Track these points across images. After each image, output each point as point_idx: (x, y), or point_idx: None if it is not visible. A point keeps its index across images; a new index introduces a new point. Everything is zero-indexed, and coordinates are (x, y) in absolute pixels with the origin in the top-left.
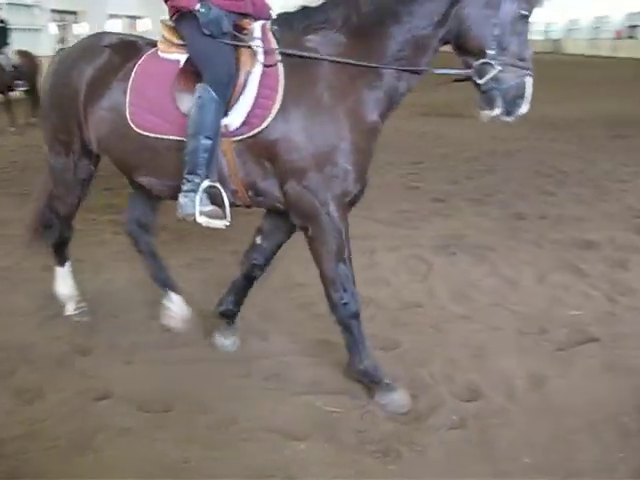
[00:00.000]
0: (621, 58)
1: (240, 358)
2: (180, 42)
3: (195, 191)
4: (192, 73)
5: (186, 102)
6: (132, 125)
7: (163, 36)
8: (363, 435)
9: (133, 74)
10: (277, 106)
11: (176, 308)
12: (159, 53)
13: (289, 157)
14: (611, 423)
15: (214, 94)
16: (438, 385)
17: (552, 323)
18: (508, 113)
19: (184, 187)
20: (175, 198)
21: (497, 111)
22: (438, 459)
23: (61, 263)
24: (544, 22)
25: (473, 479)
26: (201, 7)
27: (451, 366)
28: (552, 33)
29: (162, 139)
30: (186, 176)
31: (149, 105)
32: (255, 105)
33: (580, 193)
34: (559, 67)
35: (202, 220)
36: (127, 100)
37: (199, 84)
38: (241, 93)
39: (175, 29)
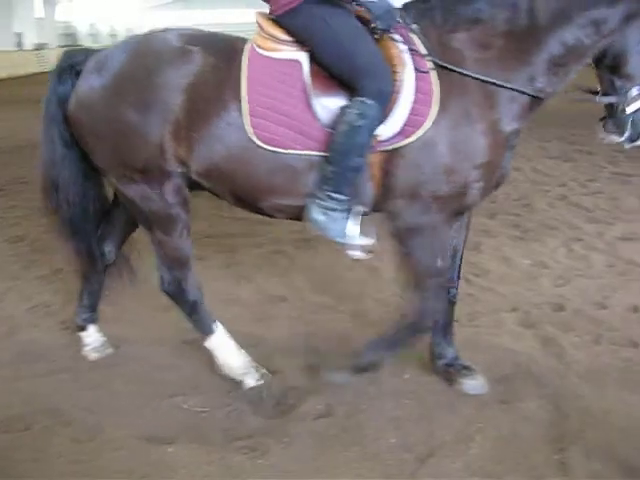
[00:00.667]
0: None
1: (100, 366)
2: (288, 38)
3: (338, 210)
4: (326, 77)
5: (326, 113)
6: (256, 140)
7: (265, 31)
8: (230, 433)
9: (245, 80)
10: (434, 112)
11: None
12: (262, 52)
13: (424, 169)
14: (468, 397)
15: (376, 108)
16: (305, 377)
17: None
18: (632, 140)
19: (323, 203)
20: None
21: (625, 137)
22: (306, 449)
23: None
24: None
25: (341, 463)
26: None
27: (318, 357)
28: None
29: (294, 155)
30: (329, 193)
31: (276, 116)
32: (411, 112)
33: None
34: None
35: (358, 254)
36: (246, 112)
37: (361, 100)
38: (396, 100)
39: (277, 23)
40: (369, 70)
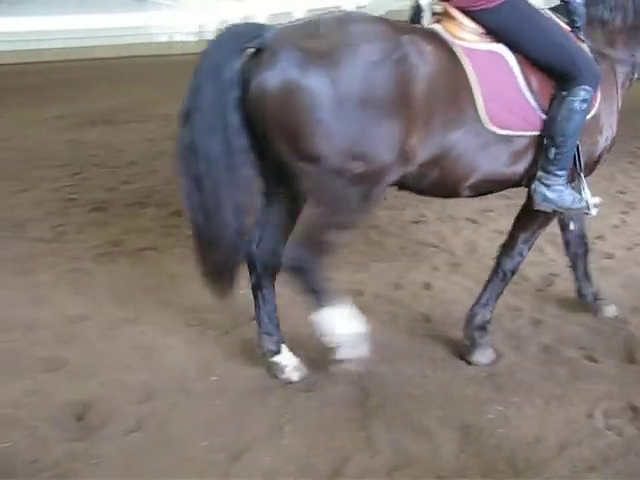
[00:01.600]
0: None
1: None
2: (483, 31)
3: (562, 184)
4: (530, 67)
5: (539, 99)
6: (491, 126)
7: (462, 24)
8: (36, 464)
9: (471, 70)
10: (599, 94)
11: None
12: (466, 44)
13: (594, 139)
14: (276, 390)
15: (592, 94)
16: (111, 393)
17: (215, 311)
18: None
19: (548, 182)
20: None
21: None
22: (117, 465)
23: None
24: (198, 24)
25: (155, 473)
26: None
27: (122, 371)
28: (206, 34)
29: (520, 136)
30: (555, 172)
31: (503, 103)
32: None
33: None
34: None
35: (594, 211)
36: (480, 99)
37: (583, 87)
38: None
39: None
40: (585, 61)
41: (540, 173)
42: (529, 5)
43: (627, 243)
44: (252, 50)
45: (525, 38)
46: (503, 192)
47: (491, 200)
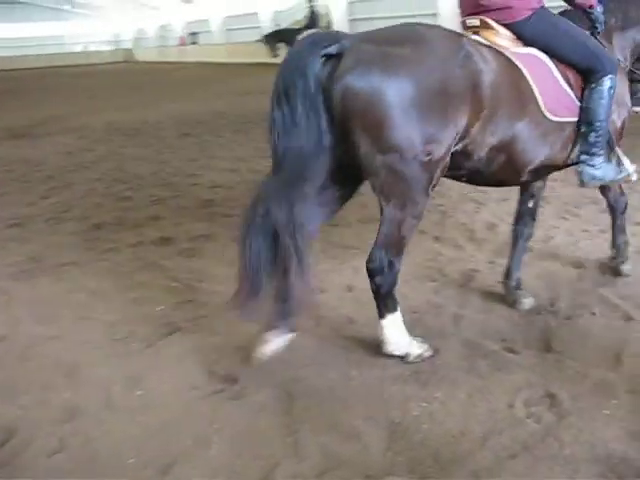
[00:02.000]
0: (188, 62)
1: None
2: (515, 38)
3: (603, 161)
4: (561, 65)
5: (576, 91)
6: (548, 114)
7: (501, 33)
8: None
9: (525, 69)
10: None
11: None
12: (512, 49)
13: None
14: (202, 402)
15: (615, 80)
16: (33, 415)
17: (140, 323)
18: None
19: (592, 162)
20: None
21: None
22: None
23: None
24: (113, 32)
25: None
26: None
27: (45, 391)
28: (122, 43)
29: (568, 122)
30: (598, 152)
31: (552, 95)
32: None
33: (155, 193)
34: (131, 75)
35: (635, 177)
36: (537, 92)
37: (608, 76)
38: None
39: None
40: (605, 55)
41: (584, 157)
42: (553, 14)
43: (543, 236)
44: (330, 55)
45: (555, 42)
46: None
47: None
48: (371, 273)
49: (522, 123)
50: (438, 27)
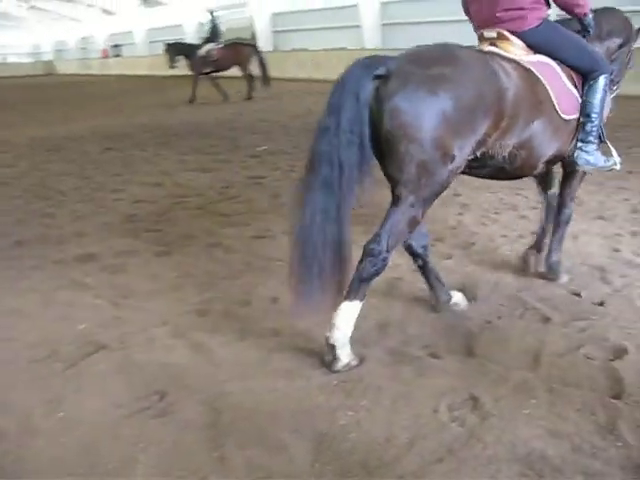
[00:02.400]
0: (110, 75)
1: None
2: (525, 46)
3: (596, 149)
4: (564, 67)
5: (578, 90)
6: (562, 114)
7: (512, 43)
8: None
9: (541, 76)
10: None
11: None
12: (523, 58)
13: None
14: (128, 421)
15: (609, 78)
16: None
17: (62, 343)
18: None
19: (587, 148)
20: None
21: None
22: None
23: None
24: (33, 44)
25: None
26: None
27: None
28: (43, 55)
29: (572, 119)
30: (592, 140)
31: (562, 96)
32: None
33: (78, 209)
34: (53, 88)
35: (619, 166)
36: (553, 95)
37: (603, 75)
38: None
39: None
40: (600, 57)
41: (580, 144)
42: (556, 24)
43: (463, 243)
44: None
45: (561, 47)
46: None
47: None
48: (368, 252)
49: (539, 124)
50: (465, 47)
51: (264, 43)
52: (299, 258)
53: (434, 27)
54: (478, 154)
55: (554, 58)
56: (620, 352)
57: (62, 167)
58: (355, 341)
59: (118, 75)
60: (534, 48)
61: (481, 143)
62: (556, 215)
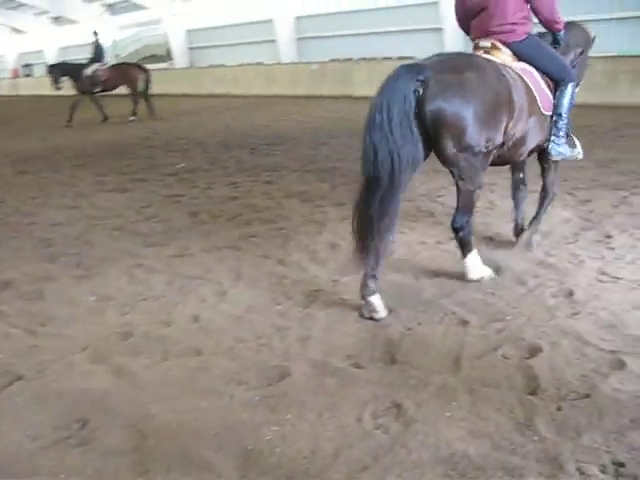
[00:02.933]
0: (22, 96)
1: None
2: (511, 54)
3: (565, 142)
4: (541, 74)
5: (552, 93)
6: (544, 111)
7: (503, 52)
8: None
9: (529, 81)
10: None
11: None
12: (513, 65)
13: None
14: (45, 451)
15: (575, 86)
16: None
17: None
18: None
19: (559, 141)
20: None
21: None
22: None
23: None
24: None
25: None
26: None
27: None
28: None
29: (549, 115)
30: (562, 135)
31: (542, 97)
32: None
33: None
34: None
35: (581, 156)
36: (537, 96)
37: (571, 83)
38: None
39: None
40: (570, 68)
41: (553, 137)
42: (538, 38)
43: None
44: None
45: (540, 58)
46: (269, 218)
47: (254, 227)
48: (456, 230)
49: (532, 118)
50: (476, 55)
51: (180, 60)
52: (357, 226)
53: (346, 40)
54: (502, 141)
55: (533, 66)
56: (535, 350)
57: None
58: (277, 355)
59: (30, 96)
60: (519, 57)
61: (504, 132)
62: (540, 202)
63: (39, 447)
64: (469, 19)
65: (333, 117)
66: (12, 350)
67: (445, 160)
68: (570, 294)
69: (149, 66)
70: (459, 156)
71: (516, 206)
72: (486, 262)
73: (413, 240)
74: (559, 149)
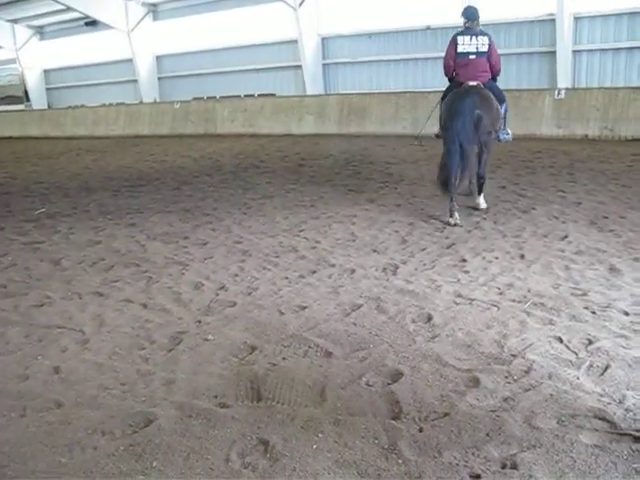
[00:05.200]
0: None
1: None
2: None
3: (505, 130)
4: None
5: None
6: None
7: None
8: None
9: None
10: None
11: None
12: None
13: None
14: None
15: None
16: None
17: None
18: None
19: (503, 131)
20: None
21: None
22: None
23: None
24: None
25: None
26: None
27: None
28: None
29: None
30: (505, 126)
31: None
32: None
33: None
34: None
35: (511, 137)
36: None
37: (506, 102)
38: None
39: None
40: (504, 94)
41: (501, 129)
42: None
43: (246, 289)
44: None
45: (494, 89)
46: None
47: (117, 271)
48: (480, 179)
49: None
50: (480, 87)
51: (37, 101)
52: (443, 170)
53: (208, 78)
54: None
55: (492, 93)
56: (396, 375)
57: None
58: (141, 402)
59: None
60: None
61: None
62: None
63: None
64: (455, 70)
65: (196, 155)
66: None
67: (482, 139)
68: (429, 318)
69: (6, 107)
70: (488, 137)
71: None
72: (349, 291)
73: (276, 275)
74: (505, 136)
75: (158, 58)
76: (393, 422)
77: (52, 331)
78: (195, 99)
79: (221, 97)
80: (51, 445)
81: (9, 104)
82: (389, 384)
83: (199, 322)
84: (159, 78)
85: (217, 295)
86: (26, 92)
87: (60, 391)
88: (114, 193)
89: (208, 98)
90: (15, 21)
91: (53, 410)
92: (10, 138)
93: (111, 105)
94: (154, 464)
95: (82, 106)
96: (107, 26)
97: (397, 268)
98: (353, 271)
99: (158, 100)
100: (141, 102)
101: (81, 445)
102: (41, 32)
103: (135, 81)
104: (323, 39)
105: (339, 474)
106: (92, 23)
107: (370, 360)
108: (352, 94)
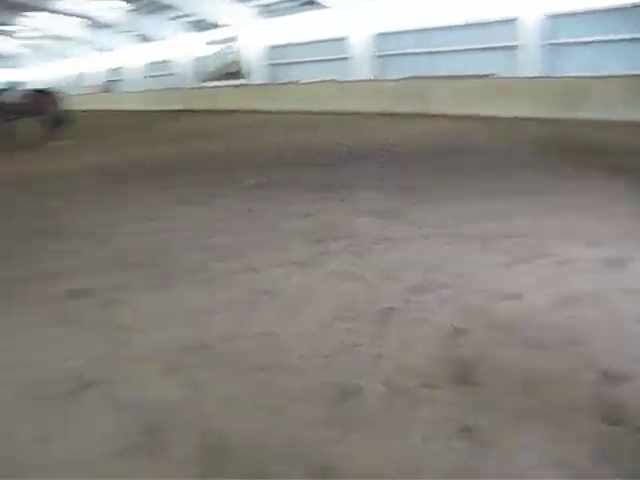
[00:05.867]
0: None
1: None
2: None
3: None
4: None
5: None
6: None
7: None
8: None
9: None
10: None
11: None
12: None
13: None
14: None
15: None
16: None
17: None
18: None
19: None
20: None
21: None
22: None
23: None
24: None
25: None
26: None
27: None
28: None
29: None
30: None
31: None
32: None
33: None
34: None
35: None
36: None
37: None
38: None
39: None
40: None
41: None
42: None
43: (456, 273)
44: None
45: None
46: (342, 235)
47: (327, 244)
48: None
49: None
50: None
51: (257, 76)
52: None
53: (420, 57)
54: None
55: None
56: (619, 379)
57: None
58: (344, 374)
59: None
60: None
61: None
62: None
63: None
64: None
65: (410, 133)
66: None
67: None
68: None
69: (227, 82)
70: None
71: None
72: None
73: (491, 261)
74: None
75: (375, 36)
76: (613, 427)
77: (259, 297)
78: (409, 78)
79: (435, 77)
80: (255, 407)
81: (230, 79)
82: (610, 385)
83: (408, 300)
84: (376, 56)
85: (426, 276)
86: (246, 68)
87: (266, 354)
88: (324, 168)
89: (422, 77)
90: (242, 0)
91: (257, 373)
92: (235, 111)
93: (325, 81)
94: (354, 436)
95: (297, 82)
96: (323, 6)
97: (623, 263)
98: (572, 262)
99: (373, 78)
100: (356, 80)
101: (284, 411)
102: (267, 10)
103: (348, 59)
104: (549, 17)
105: (548, 475)
106: (310, 2)
107: (586, 357)
108: (579, 77)
